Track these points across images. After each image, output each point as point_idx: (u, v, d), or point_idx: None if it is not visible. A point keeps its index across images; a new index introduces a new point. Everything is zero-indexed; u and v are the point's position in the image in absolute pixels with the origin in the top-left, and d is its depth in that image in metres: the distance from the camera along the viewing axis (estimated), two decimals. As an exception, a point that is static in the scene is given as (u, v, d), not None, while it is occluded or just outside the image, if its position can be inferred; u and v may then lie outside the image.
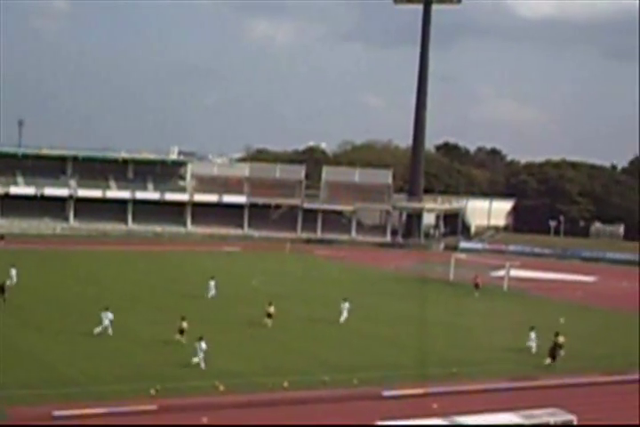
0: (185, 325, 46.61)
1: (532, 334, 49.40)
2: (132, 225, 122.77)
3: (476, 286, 75.88)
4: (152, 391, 35.90)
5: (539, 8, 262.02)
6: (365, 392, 38.13)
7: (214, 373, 39.75)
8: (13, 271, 64.87)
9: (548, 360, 46.11)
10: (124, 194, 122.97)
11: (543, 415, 30.59)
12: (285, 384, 38.23)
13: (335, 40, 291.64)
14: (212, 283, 64.75)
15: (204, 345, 41.36)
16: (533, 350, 48.99)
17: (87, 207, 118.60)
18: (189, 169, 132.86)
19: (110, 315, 48.07)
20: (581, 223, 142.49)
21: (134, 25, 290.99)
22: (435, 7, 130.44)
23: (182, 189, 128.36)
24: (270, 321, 52.08)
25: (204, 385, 37.57)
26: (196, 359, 41.39)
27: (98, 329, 47.59)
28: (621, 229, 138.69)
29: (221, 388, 37.14)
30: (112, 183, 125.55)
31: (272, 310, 52.22)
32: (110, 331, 47.61)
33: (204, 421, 32.60)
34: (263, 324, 52.23)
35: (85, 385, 37.08)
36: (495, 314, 65.59)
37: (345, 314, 56.23)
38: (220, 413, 34.01)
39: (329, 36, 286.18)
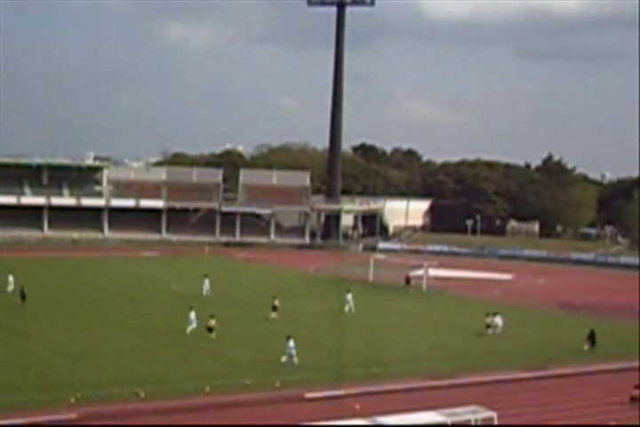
0: (213, 323, 50.18)
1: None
2: (47, 231, 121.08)
3: (407, 282, 78.99)
4: (72, 400, 35.42)
5: (451, 9, 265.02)
6: (288, 395, 38.09)
7: (135, 379, 39.34)
8: None
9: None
10: (40, 200, 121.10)
11: (464, 413, 30.86)
12: (207, 389, 38.01)
13: (250, 42, 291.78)
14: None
15: (292, 343, 43.86)
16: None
17: (1, 214, 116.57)
18: (105, 174, 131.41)
19: None
20: (497, 222, 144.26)
21: (47, 28, 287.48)
22: (348, 9, 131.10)
23: (98, 195, 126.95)
24: (214, 335, 51.27)
25: (124, 392, 37.14)
26: (284, 358, 43.82)
27: None
28: (536, 226, 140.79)
29: (142, 394, 36.77)
30: (27, 189, 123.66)
31: (213, 323, 51.35)
32: None
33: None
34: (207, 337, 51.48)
35: (2, 395, 36.43)
36: (414, 313, 66.00)
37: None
38: (140, 420, 33.70)
39: (244, 39, 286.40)
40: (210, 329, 50.69)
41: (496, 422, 30.87)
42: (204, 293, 70.69)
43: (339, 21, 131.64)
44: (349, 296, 63.32)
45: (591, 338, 51.75)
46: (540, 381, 43.52)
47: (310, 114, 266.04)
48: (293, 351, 44.02)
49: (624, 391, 39.41)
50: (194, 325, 51.91)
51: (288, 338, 44.30)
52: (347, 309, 62.89)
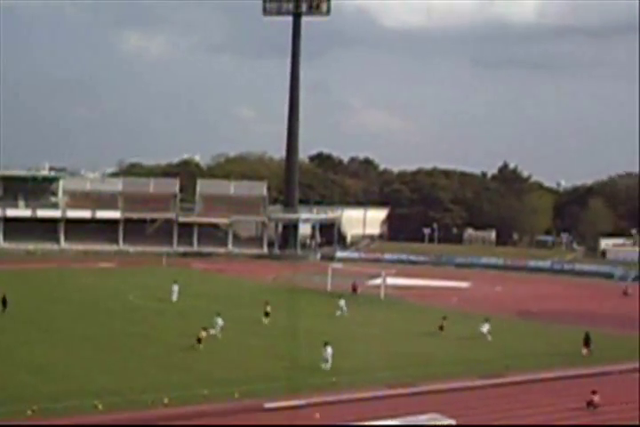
0: (204, 334, 50.87)
1: None
2: (3, 243, 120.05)
3: (354, 290, 79.46)
4: (29, 412, 35.10)
5: (406, 19, 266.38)
6: (247, 405, 37.98)
7: (93, 391, 39.06)
8: None
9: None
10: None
11: (423, 421, 30.96)
12: (166, 400, 37.80)
13: (207, 52, 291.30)
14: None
15: (330, 350, 45.70)
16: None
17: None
18: (61, 185, 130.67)
19: None
20: (454, 230, 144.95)
21: (1, 38, 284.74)
22: (304, 19, 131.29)
23: (54, 206, 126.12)
24: (200, 346, 51.03)
25: (82, 404, 36.85)
26: (324, 365, 45.65)
27: None
28: (493, 234, 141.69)
29: (100, 406, 36.51)
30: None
31: (204, 334, 51.35)
32: None
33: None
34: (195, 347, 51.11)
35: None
36: (373, 322, 66.05)
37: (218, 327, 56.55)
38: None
39: (200, 48, 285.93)
40: (199, 340, 50.61)
41: (455, 430, 31.02)
42: (174, 299, 72.23)
43: (294, 31, 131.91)
44: (342, 302, 67.06)
45: (587, 342, 52.56)
46: (499, 388, 43.73)
47: (267, 123, 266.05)
48: (329, 358, 45.99)
49: (581, 397, 39.70)
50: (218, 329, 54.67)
51: (325, 344, 46.30)
52: (338, 313, 66.37)
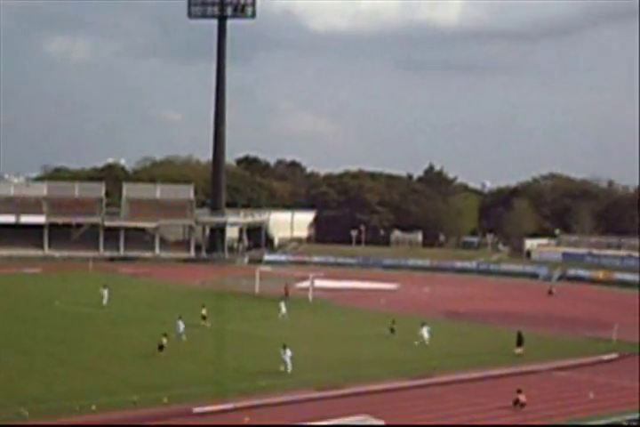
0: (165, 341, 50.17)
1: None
2: None
3: (286, 294, 78.95)
4: (-50, 422, 34.59)
5: (331, 22, 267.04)
6: (176, 410, 37.82)
7: (17, 398, 38.56)
8: None
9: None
10: None
11: (353, 422, 31.10)
12: (93, 407, 37.44)
13: (132, 55, 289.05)
14: None
15: (289, 352, 46.26)
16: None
17: None
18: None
19: None
20: (382, 232, 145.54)
21: None
22: (230, 21, 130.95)
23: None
24: (162, 353, 50.45)
25: (6, 412, 36.31)
26: (282, 368, 45.68)
27: None
28: (420, 236, 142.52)
29: (26, 414, 36.05)
30: None
31: (165, 340, 50.82)
32: None
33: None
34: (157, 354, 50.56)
35: None
36: (301, 325, 66.12)
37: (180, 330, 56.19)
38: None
39: (126, 52, 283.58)
40: (161, 347, 50.07)
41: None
42: (104, 302, 72.32)
43: (220, 34, 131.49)
44: (282, 304, 67.99)
45: (519, 341, 53.24)
46: (427, 388, 44.09)
47: (193, 127, 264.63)
48: (288, 360, 46.36)
49: (507, 396, 40.16)
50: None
51: (284, 347, 46.78)
52: (280, 316, 66.97)
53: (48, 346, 53.00)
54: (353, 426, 31.08)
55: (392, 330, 59.28)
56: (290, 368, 46.04)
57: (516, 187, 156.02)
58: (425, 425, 35.57)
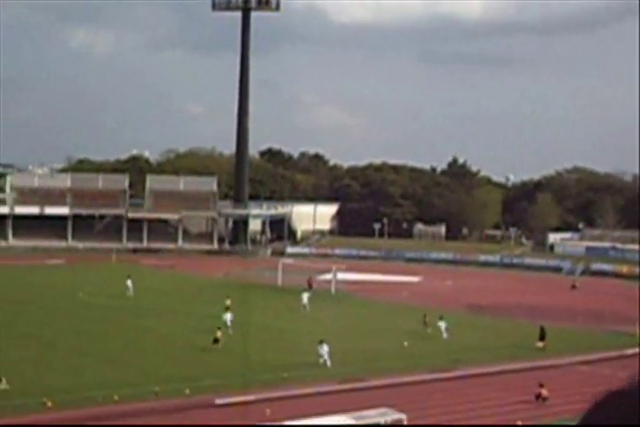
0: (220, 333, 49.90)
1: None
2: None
3: (310, 286, 78.52)
4: (-24, 412, 34.84)
5: (355, 14, 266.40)
6: (198, 401, 37.96)
7: (42, 389, 38.80)
8: None
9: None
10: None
11: (374, 416, 31.14)
12: (116, 397, 37.65)
13: (155, 48, 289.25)
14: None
15: (326, 347, 45.66)
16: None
17: None
18: (9, 181, 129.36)
19: None
20: (404, 225, 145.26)
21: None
22: (254, 14, 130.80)
23: (2, 202, 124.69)
24: (219, 346, 50.52)
25: (30, 402, 36.62)
26: (321, 362, 45.48)
27: None
28: (443, 229, 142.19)
29: (49, 404, 36.29)
30: None
31: (219, 334, 50.92)
32: None
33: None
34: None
35: None
36: (323, 317, 66.17)
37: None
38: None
39: (149, 44, 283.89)
40: (216, 340, 50.07)
41: (406, 424, 31.17)
42: (128, 293, 72.68)
43: (244, 26, 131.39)
44: (304, 295, 68.31)
45: (542, 335, 53.20)
46: (449, 382, 44.05)
47: (217, 119, 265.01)
48: (325, 355, 46.02)
49: (529, 390, 40.09)
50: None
51: (321, 342, 46.47)
52: (302, 307, 67.03)
53: (71, 337, 53.24)
54: (336, 426, 30.99)
55: (425, 323, 58.72)
56: (329, 363, 45.98)
57: (539, 180, 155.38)
58: (444, 425, 35.49)
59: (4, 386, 39.07)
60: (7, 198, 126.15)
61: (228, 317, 55.78)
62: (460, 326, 61.53)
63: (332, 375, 44.01)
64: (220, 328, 51.50)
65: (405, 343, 53.22)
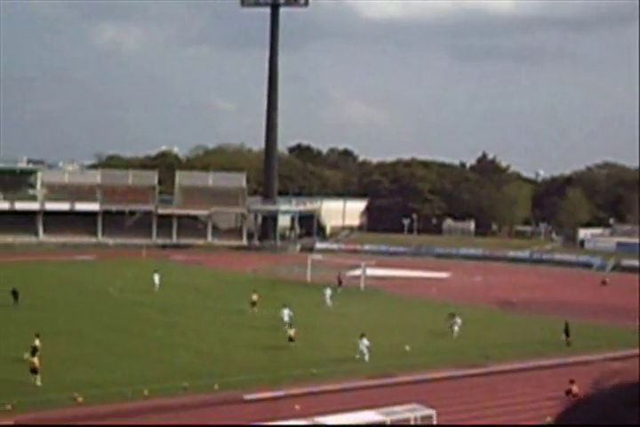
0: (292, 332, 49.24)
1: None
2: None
3: (339, 282, 78.13)
4: (8, 407, 35.01)
5: (385, 10, 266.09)
6: (227, 397, 38.05)
7: (72, 384, 39.03)
8: None
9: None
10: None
11: (403, 412, 31.09)
12: (146, 392, 37.82)
13: (184, 44, 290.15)
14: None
15: (366, 342, 45.82)
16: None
17: None
18: (39, 177, 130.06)
19: None
20: (434, 221, 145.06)
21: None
22: (282, 10, 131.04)
23: (32, 198, 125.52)
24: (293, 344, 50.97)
25: (61, 397, 36.84)
26: (359, 357, 45.75)
27: None
28: (472, 225, 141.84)
29: (80, 399, 36.49)
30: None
31: (293, 333, 51.20)
32: None
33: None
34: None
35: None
36: (352, 313, 66.15)
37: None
38: (80, 425, 33.46)
39: (177, 41, 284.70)
40: (291, 339, 50.27)
41: (435, 420, 31.09)
42: (156, 288, 73.46)
43: (273, 22, 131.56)
44: (327, 291, 68.55)
45: (566, 331, 53.04)
46: (478, 378, 43.94)
47: (246, 115, 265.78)
48: (365, 350, 46.08)
49: (560, 386, 39.89)
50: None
51: (361, 336, 46.62)
52: (328, 303, 67.49)
53: (101, 333, 53.48)
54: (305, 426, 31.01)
55: (450, 319, 58.21)
56: (367, 357, 46.16)
57: (569, 176, 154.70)
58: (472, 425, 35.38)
59: (38, 381, 39.35)
60: (38, 195, 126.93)
61: (285, 312, 55.70)
62: (489, 321, 61.43)
63: (362, 371, 44.01)
64: (290, 325, 51.52)
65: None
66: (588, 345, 52.12)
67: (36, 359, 40.20)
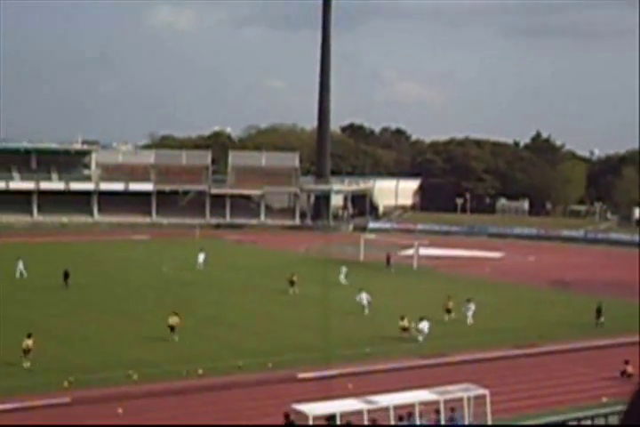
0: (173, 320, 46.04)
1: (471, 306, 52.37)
2: (37, 216, 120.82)
3: (388, 261, 78.66)
4: (65, 384, 35.48)
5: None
6: (281, 375, 38.25)
7: (127, 362, 39.44)
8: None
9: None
10: (28, 185, 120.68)
11: (456, 391, 30.99)
12: (200, 371, 38.11)
13: (236, 24, 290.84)
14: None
15: (426, 323, 46.29)
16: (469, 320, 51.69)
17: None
18: (94, 158, 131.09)
19: None
20: (487, 200, 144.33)
21: (33, 14, 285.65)
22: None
23: (87, 178, 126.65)
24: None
25: (117, 375, 37.26)
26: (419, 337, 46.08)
27: None
28: (526, 204, 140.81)
29: (135, 377, 36.87)
30: (15, 174, 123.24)
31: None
32: None
33: (120, 411, 32.34)
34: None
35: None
36: (405, 292, 66.10)
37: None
38: (135, 402, 33.81)
39: (230, 21, 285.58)
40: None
41: (488, 400, 30.97)
42: (198, 267, 74.32)
43: (325, 2, 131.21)
44: (343, 269, 68.87)
45: (598, 312, 52.54)
46: (532, 358, 43.77)
47: (298, 94, 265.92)
48: (425, 330, 46.37)
49: (614, 367, 39.63)
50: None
51: (421, 319, 46.72)
52: (342, 281, 67.20)
53: (155, 311, 53.82)
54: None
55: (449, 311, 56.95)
56: (421, 338, 46.17)
57: (624, 155, 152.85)
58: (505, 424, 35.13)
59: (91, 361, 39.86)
60: (92, 175, 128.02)
61: (363, 296, 55.50)
62: (542, 301, 61.06)
63: (416, 351, 43.99)
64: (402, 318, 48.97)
65: (446, 318, 52.91)
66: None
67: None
